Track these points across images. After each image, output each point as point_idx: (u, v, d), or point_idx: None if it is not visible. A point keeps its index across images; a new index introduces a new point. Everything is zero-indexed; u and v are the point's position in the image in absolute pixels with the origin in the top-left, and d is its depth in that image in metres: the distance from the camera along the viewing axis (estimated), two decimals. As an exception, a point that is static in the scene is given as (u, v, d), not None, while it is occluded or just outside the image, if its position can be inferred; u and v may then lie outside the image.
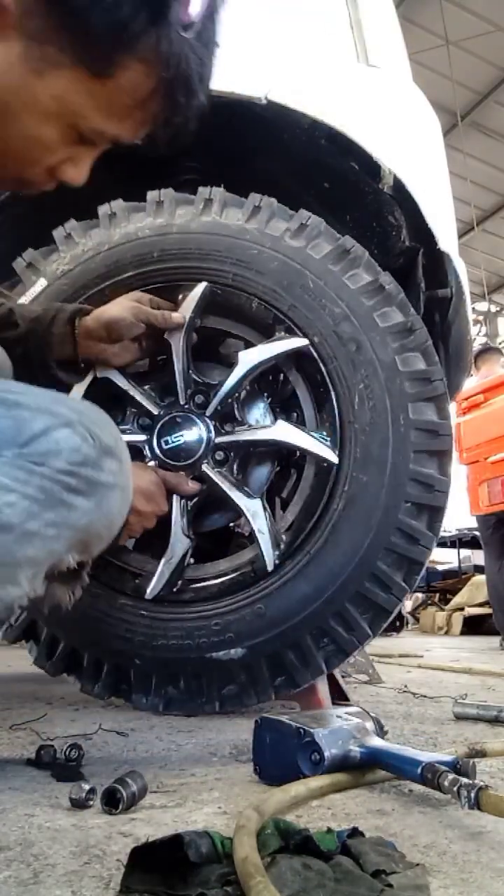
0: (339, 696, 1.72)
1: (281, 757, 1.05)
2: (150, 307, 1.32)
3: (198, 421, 1.33)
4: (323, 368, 1.32)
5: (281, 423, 1.34)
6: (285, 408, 1.46)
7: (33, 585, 0.74)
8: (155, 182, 1.49)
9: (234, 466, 1.35)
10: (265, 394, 1.44)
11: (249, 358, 1.33)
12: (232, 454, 1.35)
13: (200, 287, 1.35)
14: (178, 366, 1.34)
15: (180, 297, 1.36)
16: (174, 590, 1.32)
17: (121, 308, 1.28)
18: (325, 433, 1.33)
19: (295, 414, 1.40)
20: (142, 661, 1.31)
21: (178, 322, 1.32)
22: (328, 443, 1.31)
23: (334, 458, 1.30)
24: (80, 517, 0.76)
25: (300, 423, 1.38)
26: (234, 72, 1.43)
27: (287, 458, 1.51)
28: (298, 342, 1.32)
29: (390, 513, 1.28)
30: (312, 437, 1.33)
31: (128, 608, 1.32)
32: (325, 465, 1.32)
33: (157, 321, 1.31)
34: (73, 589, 0.83)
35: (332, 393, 1.32)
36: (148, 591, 1.31)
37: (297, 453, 1.44)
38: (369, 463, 1.29)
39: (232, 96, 1.41)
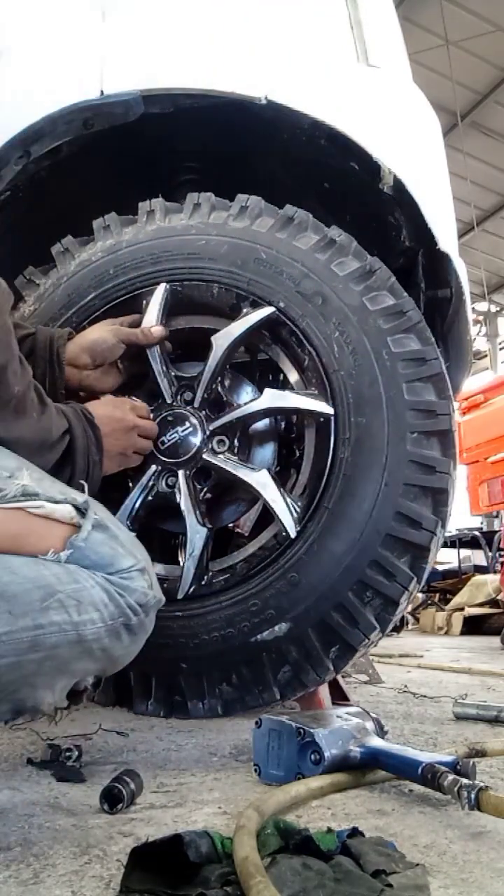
0: (339, 696, 1.72)
1: (281, 757, 1.05)
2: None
3: (188, 414, 1.35)
4: (295, 328, 1.34)
5: (269, 391, 1.36)
6: (269, 382, 1.49)
7: (60, 697, 0.81)
8: (155, 185, 1.49)
9: (236, 448, 1.37)
10: (247, 375, 1.48)
11: (223, 339, 1.35)
12: (230, 436, 1.36)
13: (161, 288, 1.38)
14: (156, 367, 1.37)
15: (144, 303, 1.38)
16: (203, 583, 1.32)
17: (101, 331, 1.31)
18: (314, 389, 1.34)
19: (282, 383, 1.43)
20: (188, 663, 1.29)
21: (159, 335, 1.36)
22: (319, 397, 1.32)
23: (329, 410, 1.31)
24: (119, 650, 0.84)
25: (288, 388, 1.40)
26: (234, 72, 1.43)
27: (289, 434, 1.52)
28: (266, 311, 1.35)
29: (399, 447, 1.28)
30: (301, 396, 1.34)
31: (161, 613, 1.30)
32: (323, 419, 1.32)
33: (139, 339, 1.34)
34: (70, 707, 0.88)
35: (311, 347, 1.33)
36: (179, 590, 1.30)
37: (296, 431, 1.46)
38: (364, 404, 1.29)
39: (232, 96, 1.41)
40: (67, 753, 1.17)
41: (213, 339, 1.36)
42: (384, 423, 1.28)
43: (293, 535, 1.28)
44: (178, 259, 1.39)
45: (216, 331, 1.39)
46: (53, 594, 0.76)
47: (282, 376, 1.46)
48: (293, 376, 1.40)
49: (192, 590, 1.30)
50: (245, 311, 1.37)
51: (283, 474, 1.48)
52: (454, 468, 1.33)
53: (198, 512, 1.33)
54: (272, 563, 1.29)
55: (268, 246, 1.37)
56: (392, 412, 1.29)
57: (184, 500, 1.33)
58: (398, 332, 1.33)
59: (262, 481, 1.31)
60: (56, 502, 0.83)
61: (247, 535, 1.50)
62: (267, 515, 1.38)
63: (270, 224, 1.40)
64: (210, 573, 1.35)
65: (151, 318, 1.37)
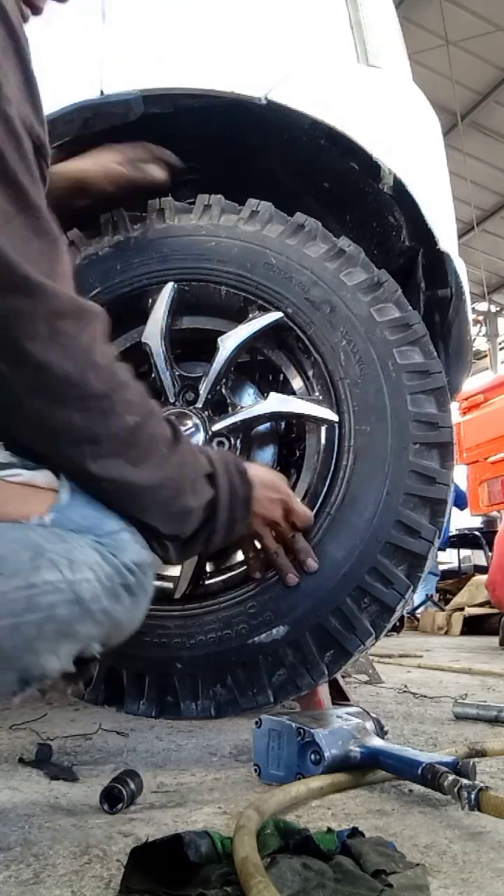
0: (339, 696, 1.72)
1: (281, 757, 1.05)
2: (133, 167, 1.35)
3: (190, 415, 1.35)
4: (303, 335, 1.35)
5: (274, 395, 1.36)
6: (273, 386, 1.49)
7: (66, 663, 0.77)
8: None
9: (237, 450, 1.37)
10: (252, 377, 1.48)
11: (230, 342, 1.36)
12: (232, 439, 1.36)
13: (168, 287, 1.38)
14: (160, 365, 1.36)
15: (150, 301, 1.38)
16: (201, 583, 1.32)
17: (93, 163, 1.30)
18: (318, 395, 1.34)
19: (286, 388, 1.43)
20: (182, 663, 1.28)
21: (160, 176, 1.37)
22: (324, 404, 1.33)
23: (334, 417, 1.31)
24: (121, 613, 0.80)
25: (291, 394, 1.40)
26: (234, 72, 1.43)
27: (289, 437, 1.52)
28: (274, 316, 1.35)
29: (401, 456, 1.29)
30: (307, 402, 1.35)
31: (158, 612, 1.29)
32: (327, 426, 1.33)
33: (140, 183, 1.35)
34: (77, 681, 0.84)
35: (318, 355, 1.34)
36: (176, 590, 1.30)
37: (296, 432, 1.46)
38: (369, 413, 1.30)
39: (232, 96, 1.41)
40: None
41: (219, 340, 1.36)
42: (388, 432, 1.29)
43: None
44: (188, 259, 1.40)
45: (221, 332, 1.39)
46: (43, 553, 0.74)
47: (281, 377, 1.46)
48: (296, 381, 1.40)
49: (189, 589, 1.30)
50: (252, 314, 1.37)
51: (285, 464, 1.49)
52: (452, 480, 1.34)
53: None
54: (272, 566, 1.29)
55: (278, 252, 1.38)
56: (396, 422, 1.30)
57: None
58: (404, 344, 1.34)
59: None
60: (35, 469, 0.81)
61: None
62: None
63: (280, 230, 1.40)
64: (208, 574, 1.34)
65: (158, 316, 1.37)
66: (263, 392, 1.46)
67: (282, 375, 1.45)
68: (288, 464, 1.54)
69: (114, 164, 1.33)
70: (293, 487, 1.41)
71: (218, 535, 0.98)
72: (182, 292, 1.39)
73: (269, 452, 1.45)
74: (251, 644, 1.26)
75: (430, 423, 1.32)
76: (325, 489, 1.30)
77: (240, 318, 1.39)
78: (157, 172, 1.39)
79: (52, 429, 0.80)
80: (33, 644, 0.73)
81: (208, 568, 1.36)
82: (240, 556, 1.39)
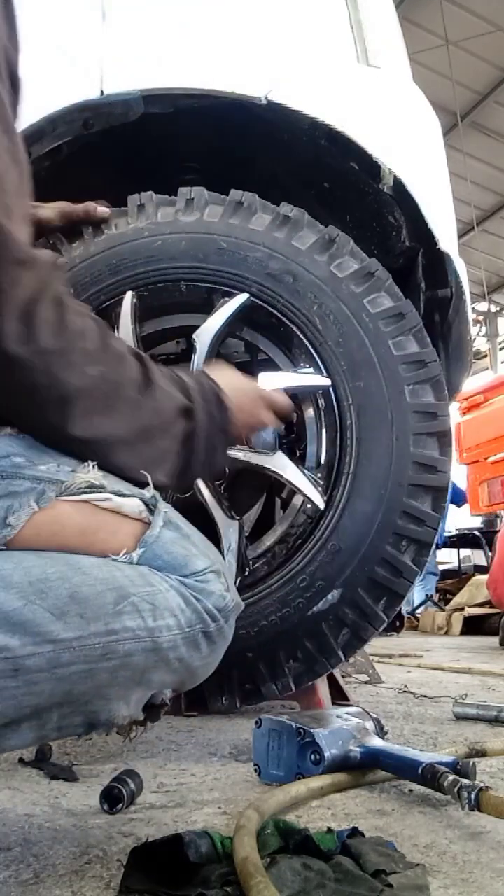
0: (339, 696, 1.72)
1: (281, 757, 1.05)
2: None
3: None
4: (273, 310, 1.37)
5: (262, 375, 1.37)
6: (257, 370, 1.51)
7: (136, 710, 0.74)
8: (157, 184, 1.49)
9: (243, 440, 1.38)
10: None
11: (205, 336, 1.36)
12: None
13: (127, 297, 1.37)
14: None
15: (113, 315, 1.37)
16: (247, 573, 1.34)
17: (49, 210, 1.32)
18: (304, 365, 1.37)
19: (269, 367, 1.45)
20: (253, 652, 1.30)
21: (104, 214, 1.38)
22: (313, 372, 1.35)
23: (326, 381, 1.34)
24: (197, 661, 0.77)
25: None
26: (235, 72, 1.43)
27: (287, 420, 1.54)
28: (240, 298, 1.37)
29: (400, 400, 1.33)
30: (297, 374, 1.37)
31: None
32: (322, 392, 1.35)
33: (81, 215, 1.36)
34: (144, 725, 0.80)
35: (294, 326, 1.36)
36: None
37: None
38: (358, 368, 1.34)
39: (232, 96, 1.41)
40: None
41: (195, 336, 1.36)
42: (381, 380, 1.33)
43: (322, 505, 1.31)
44: (138, 265, 1.38)
45: (192, 326, 1.39)
46: (127, 597, 0.70)
47: (263, 357, 1.48)
48: (280, 358, 1.42)
49: (238, 581, 1.32)
50: (218, 303, 1.37)
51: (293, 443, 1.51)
52: (448, 410, 1.41)
53: (223, 506, 1.33)
54: (309, 538, 1.31)
55: (224, 234, 1.38)
56: (386, 368, 1.34)
57: (207, 498, 1.34)
58: (374, 291, 1.37)
59: (278, 464, 1.33)
60: (123, 496, 0.76)
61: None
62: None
63: (220, 211, 1.40)
64: (250, 562, 1.36)
65: (126, 328, 1.36)
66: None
67: (261, 355, 1.46)
68: (290, 440, 1.55)
69: (66, 204, 1.34)
70: (302, 458, 1.42)
71: (195, 467, 0.89)
72: (141, 298, 1.38)
73: (269, 432, 1.46)
74: (312, 615, 1.29)
75: (416, 361, 1.35)
76: (337, 451, 1.33)
77: (208, 309, 1.39)
78: (103, 209, 1.38)
79: (30, 392, 0.73)
80: (104, 690, 0.70)
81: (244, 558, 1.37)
82: (270, 538, 1.40)
